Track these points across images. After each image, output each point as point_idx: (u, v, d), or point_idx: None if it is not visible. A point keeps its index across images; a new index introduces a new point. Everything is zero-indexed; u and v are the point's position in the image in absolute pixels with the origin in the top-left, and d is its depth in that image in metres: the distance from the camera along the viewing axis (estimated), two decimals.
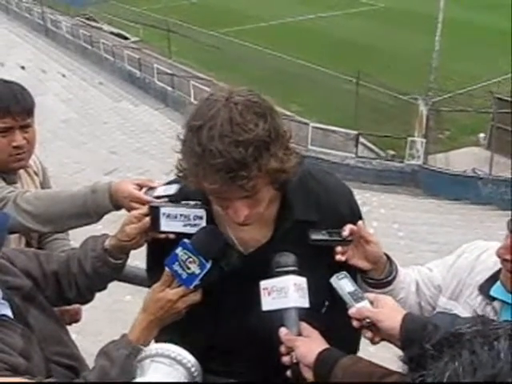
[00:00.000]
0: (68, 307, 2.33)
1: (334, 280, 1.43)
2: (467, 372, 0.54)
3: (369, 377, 1.15)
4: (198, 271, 1.42)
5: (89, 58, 30.56)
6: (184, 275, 1.42)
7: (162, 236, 1.52)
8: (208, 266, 1.42)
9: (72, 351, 1.52)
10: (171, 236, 1.50)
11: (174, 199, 1.54)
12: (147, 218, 1.51)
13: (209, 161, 1.23)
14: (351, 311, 1.39)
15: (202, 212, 1.49)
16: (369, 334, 1.37)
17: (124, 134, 21.19)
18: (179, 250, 1.42)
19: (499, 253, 1.49)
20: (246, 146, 1.23)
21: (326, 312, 1.56)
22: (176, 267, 1.42)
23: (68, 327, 1.92)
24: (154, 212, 1.51)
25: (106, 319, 4.22)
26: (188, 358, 1.12)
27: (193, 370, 1.11)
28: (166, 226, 1.51)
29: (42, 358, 1.39)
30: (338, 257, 1.51)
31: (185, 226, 1.49)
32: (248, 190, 1.28)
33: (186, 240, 1.43)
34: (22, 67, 26.39)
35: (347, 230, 1.52)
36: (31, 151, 2.12)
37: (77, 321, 2.46)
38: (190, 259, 1.41)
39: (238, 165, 1.23)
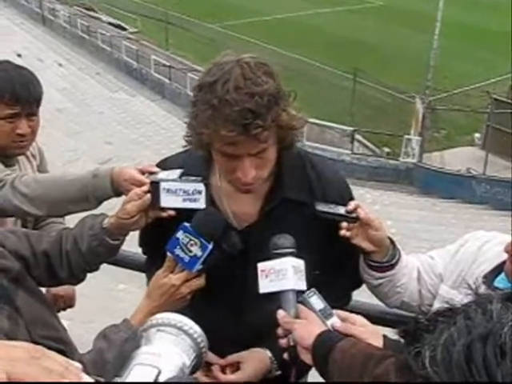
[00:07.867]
0: (62, 293, 2.34)
1: (303, 298, 1.40)
2: (462, 334, 0.59)
3: (367, 359, 1.15)
4: (199, 253, 1.42)
5: (86, 48, 30.35)
6: (186, 258, 1.42)
7: (163, 214, 1.52)
8: (209, 247, 1.42)
9: (60, 335, 1.49)
10: (171, 213, 1.51)
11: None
12: (148, 195, 1.51)
13: (225, 111, 1.31)
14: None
15: (201, 186, 1.50)
16: None
17: (120, 124, 21.12)
18: (180, 234, 1.42)
19: (509, 249, 1.45)
20: (258, 97, 1.32)
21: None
22: (178, 251, 1.43)
23: (60, 314, 1.91)
24: (154, 187, 1.52)
25: (98, 308, 4.20)
26: (194, 328, 1.10)
27: (199, 340, 1.10)
28: (165, 201, 1.51)
29: (28, 340, 1.36)
30: (343, 232, 1.53)
31: (184, 200, 1.50)
32: (262, 140, 1.35)
33: (186, 223, 1.43)
34: (19, 55, 26.17)
35: (352, 204, 1.53)
36: (33, 139, 2.12)
37: (71, 306, 2.45)
38: (192, 242, 1.41)
39: (252, 114, 1.31)
